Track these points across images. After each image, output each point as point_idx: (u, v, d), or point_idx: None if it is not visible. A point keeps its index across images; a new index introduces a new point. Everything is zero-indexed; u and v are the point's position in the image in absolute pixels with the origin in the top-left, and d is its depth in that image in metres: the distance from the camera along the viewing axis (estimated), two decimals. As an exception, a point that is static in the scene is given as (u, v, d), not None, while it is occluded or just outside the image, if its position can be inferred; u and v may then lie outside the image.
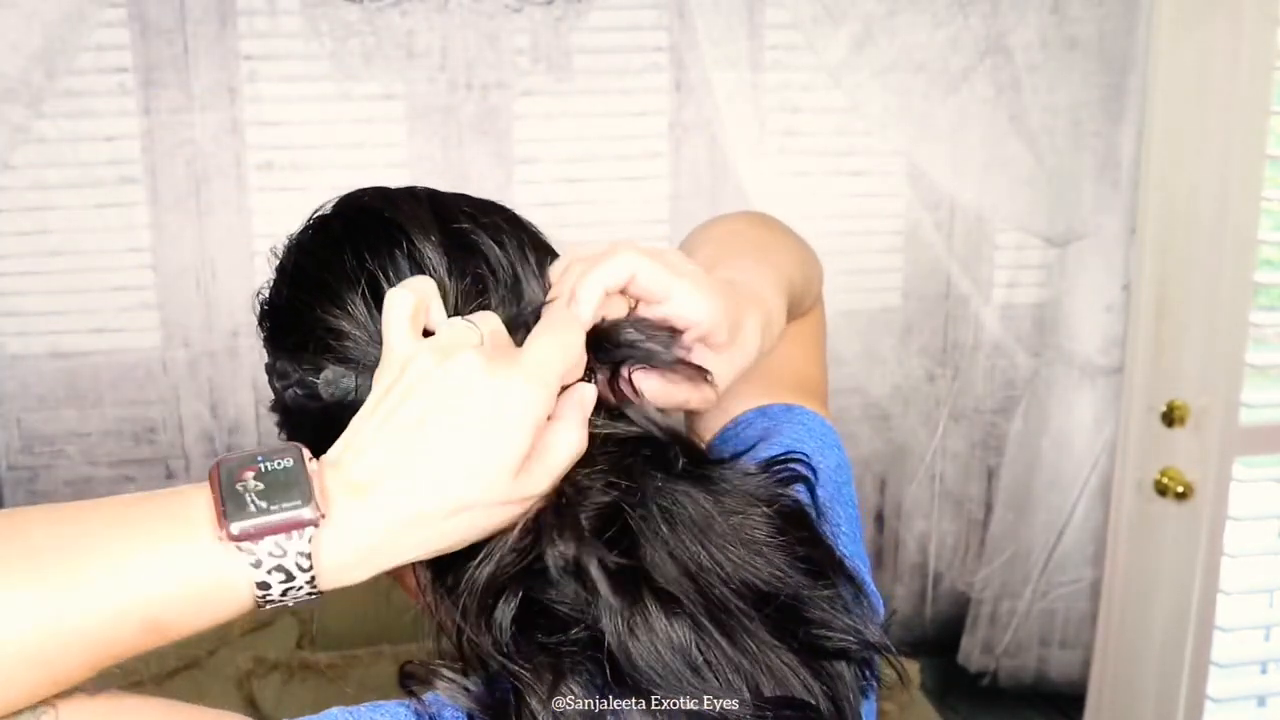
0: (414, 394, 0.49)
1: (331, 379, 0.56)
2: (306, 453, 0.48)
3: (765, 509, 0.56)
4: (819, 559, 0.56)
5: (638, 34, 1.80)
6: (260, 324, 0.63)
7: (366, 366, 0.55)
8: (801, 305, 0.77)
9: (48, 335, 1.75)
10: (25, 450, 1.78)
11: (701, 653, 0.51)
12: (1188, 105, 1.67)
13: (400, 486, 0.47)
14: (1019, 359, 2.00)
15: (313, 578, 0.46)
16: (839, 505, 0.67)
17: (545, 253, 0.61)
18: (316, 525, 0.46)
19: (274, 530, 0.45)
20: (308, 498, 0.46)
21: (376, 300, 0.55)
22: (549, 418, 0.51)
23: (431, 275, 0.56)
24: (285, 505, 0.45)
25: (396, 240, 0.58)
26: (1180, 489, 1.73)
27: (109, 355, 1.77)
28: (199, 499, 0.46)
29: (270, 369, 0.60)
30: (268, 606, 0.47)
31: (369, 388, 0.52)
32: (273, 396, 0.61)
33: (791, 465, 0.59)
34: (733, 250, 0.71)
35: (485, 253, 0.58)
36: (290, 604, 0.47)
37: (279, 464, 0.47)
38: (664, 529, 0.53)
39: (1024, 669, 2.09)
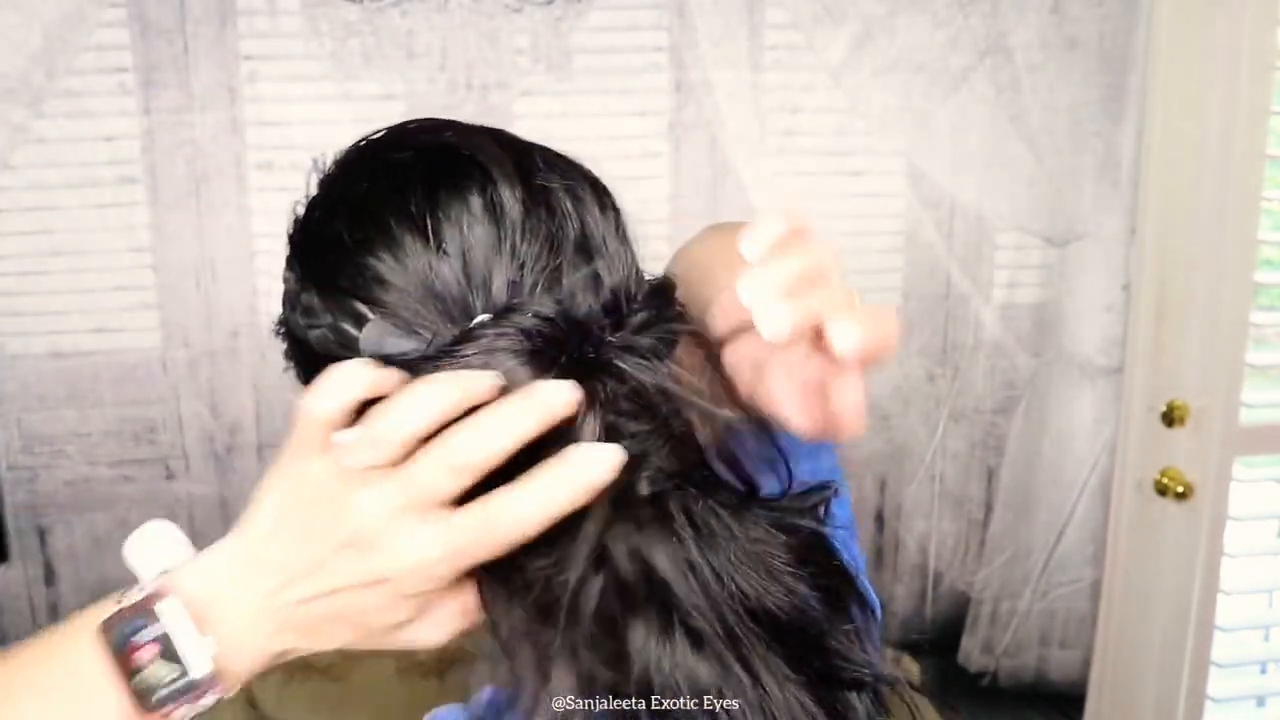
0: (301, 512, 0.48)
1: (376, 338, 0.49)
2: (177, 601, 0.48)
3: (788, 537, 0.52)
4: (838, 589, 0.53)
5: (637, 34, 1.80)
6: (290, 240, 0.57)
7: (414, 330, 0.49)
8: None
9: (48, 335, 1.75)
10: (25, 450, 1.78)
11: (723, 697, 0.48)
12: (1188, 105, 1.67)
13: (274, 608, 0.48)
14: (1019, 359, 2.00)
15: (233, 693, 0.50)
16: (840, 508, 0.65)
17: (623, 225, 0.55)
18: (216, 683, 0.48)
19: (183, 700, 0.48)
20: (199, 661, 0.47)
21: (439, 250, 0.49)
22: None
23: (507, 229, 0.50)
24: (182, 677, 0.47)
25: (476, 184, 0.51)
26: (1180, 489, 1.73)
27: (109, 355, 1.77)
28: (103, 677, 0.48)
29: (293, 297, 0.55)
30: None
31: (416, 352, 0.48)
32: (283, 319, 0.56)
33: (814, 497, 0.55)
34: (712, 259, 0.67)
35: (564, 214, 0.51)
36: None
37: (157, 625, 0.48)
38: (694, 549, 0.49)
39: (1024, 669, 2.09)
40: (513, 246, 0.49)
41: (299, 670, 1.58)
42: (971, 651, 2.09)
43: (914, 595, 2.09)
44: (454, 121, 0.57)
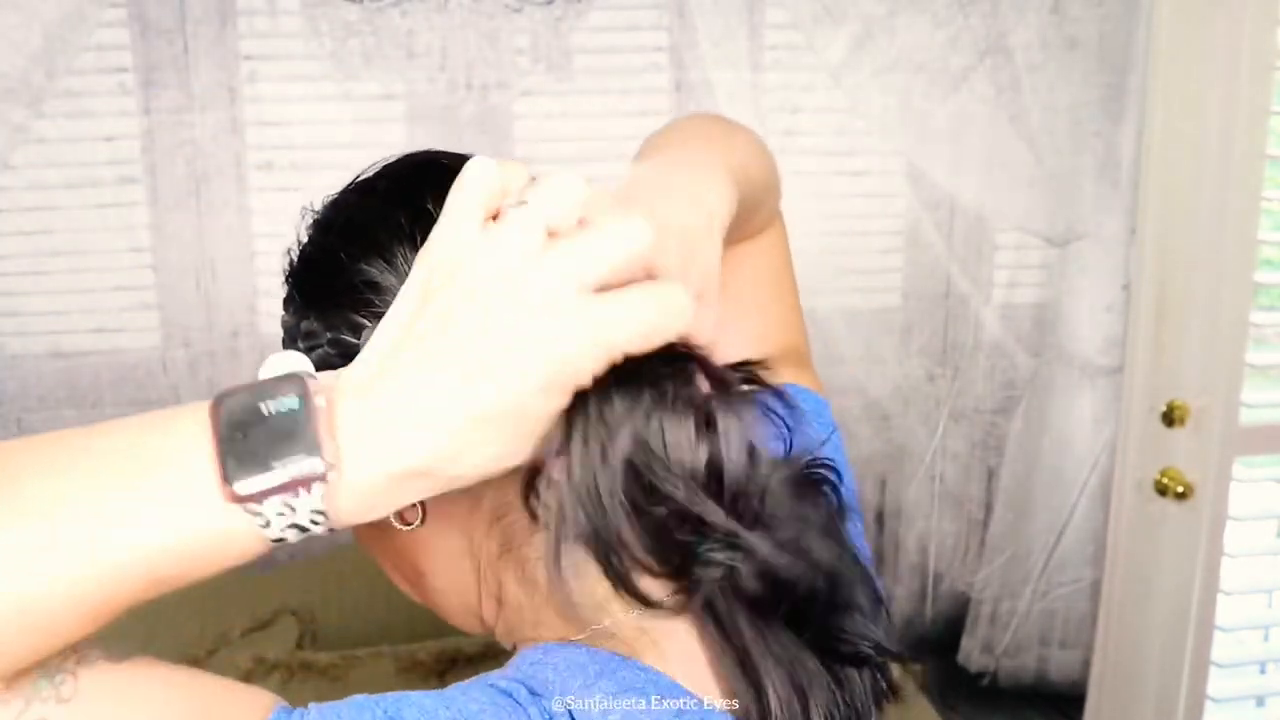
0: (452, 283, 0.43)
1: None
2: (312, 384, 0.43)
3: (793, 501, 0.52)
4: (843, 564, 0.53)
5: (638, 34, 1.80)
6: (286, 281, 0.57)
7: None
8: (755, 212, 0.69)
9: (48, 335, 1.75)
10: (25, 450, 1.78)
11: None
12: (1188, 105, 1.67)
13: (416, 402, 0.42)
14: (1019, 359, 2.00)
15: (330, 527, 0.43)
16: (844, 493, 0.64)
17: None
18: (325, 480, 0.41)
19: (280, 490, 0.41)
20: (314, 447, 0.41)
21: None
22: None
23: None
24: (290, 460, 0.41)
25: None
26: (1180, 489, 1.73)
27: (109, 355, 1.77)
28: (199, 449, 0.41)
29: (293, 330, 0.55)
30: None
31: None
32: None
33: (819, 470, 0.55)
34: (672, 145, 0.64)
35: None
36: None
37: (283, 406, 0.41)
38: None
39: (1024, 669, 2.09)
40: None
41: (299, 670, 1.59)
42: (971, 651, 2.09)
43: (914, 595, 2.09)
44: (428, 150, 0.60)
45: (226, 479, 0.40)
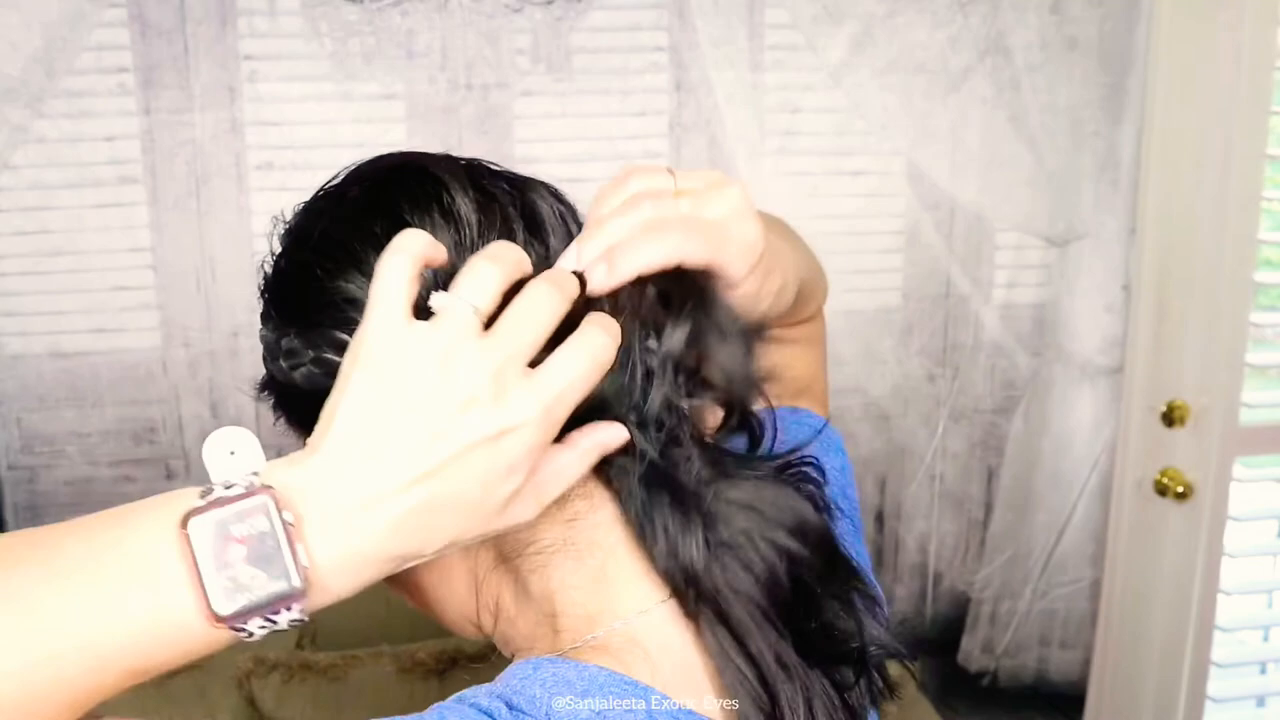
0: (387, 386, 0.45)
1: None
2: (278, 498, 0.44)
3: (776, 495, 0.54)
4: (831, 562, 0.55)
5: (638, 34, 1.80)
6: (261, 295, 0.57)
7: None
8: (810, 300, 0.74)
9: (48, 335, 1.76)
10: (25, 450, 1.78)
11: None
12: (1188, 105, 1.67)
13: (380, 506, 0.45)
14: (1019, 359, 2.00)
15: (308, 621, 0.45)
16: (843, 504, 0.66)
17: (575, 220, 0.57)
18: (304, 597, 0.44)
19: (262, 611, 0.43)
20: (289, 571, 0.43)
21: None
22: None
23: (465, 230, 0.52)
24: (269, 584, 0.43)
25: (431, 195, 0.53)
26: (1180, 489, 1.73)
27: (109, 355, 1.77)
28: (176, 577, 0.43)
29: (273, 347, 0.54)
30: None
31: None
32: (267, 376, 0.57)
33: (803, 467, 0.57)
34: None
35: (516, 207, 0.54)
36: None
37: (253, 529, 0.43)
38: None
39: (1024, 669, 2.09)
40: (471, 243, 0.52)
41: (299, 670, 1.58)
42: (971, 651, 2.09)
43: (914, 595, 2.09)
44: (399, 152, 0.59)
45: (210, 609, 0.42)
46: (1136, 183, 1.84)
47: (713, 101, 1.81)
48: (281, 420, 0.57)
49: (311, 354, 0.52)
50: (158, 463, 1.81)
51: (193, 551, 0.42)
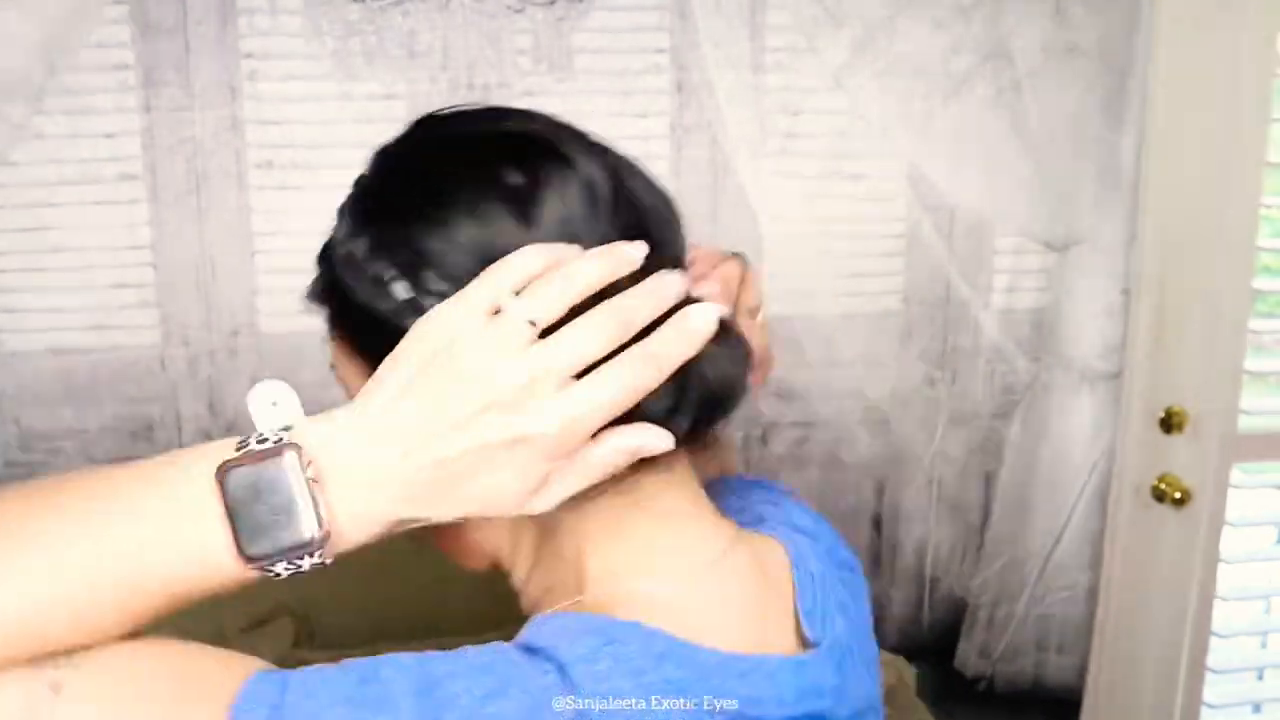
0: (442, 367, 0.48)
1: None
2: (303, 455, 0.48)
3: None
4: None
5: (639, 35, 1.80)
6: (352, 212, 0.58)
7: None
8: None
9: (47, 332, 1.75)
10: (23, 447, 1.78)
11: None
12: (1188, 111, 1.67)
13: (402, 474, 0.48)
14: (1018, 364, 2.00)
15: (331, 560, 0.50)
16: (849, 558, 0.69)
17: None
18: (325, 544, 0.48)
19: (286, 555, 0.48)
20: (312, 522, 0.48)
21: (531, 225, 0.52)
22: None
23: (599, 209, 0.53)
24: (292, 531, 0.48)
25: (558, 178, 0.54)
26: (1178, 495, 1.73)
27: (108, 353, 1.77)
28: (210, 515, 0.48)
29: (360, 266, 0.54)
30: None
31: None
32: (325, 286, 0.57)
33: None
34: None
35: (643, 204, 0.56)
36: None
37: (276, 477, 0.47)
38: None
39: (1021, 674, 2.09)
40: (572, 236, 0.53)
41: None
42: (968, 656, 2.09)
43: (911, 600, 2.09)
44: (490, 108, 0.59)
45: (240, 549, 0.47)
46: (1136, 188, 1.84)
47: (714, 103, 1.80)
48: (335, 336, 0.58)
49: (409, 297, 0.52)
50: (155, 460, 1.81)
51: (225, 499, 0.47)
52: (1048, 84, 1.84)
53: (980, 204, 1.90)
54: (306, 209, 1.65)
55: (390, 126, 0.59)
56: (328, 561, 0.49)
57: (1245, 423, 1.71)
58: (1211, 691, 1.79)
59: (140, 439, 1.80)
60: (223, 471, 0.47)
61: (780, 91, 1.83)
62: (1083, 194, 1.89)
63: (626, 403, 0.49)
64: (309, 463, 0.48)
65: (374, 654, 0.51)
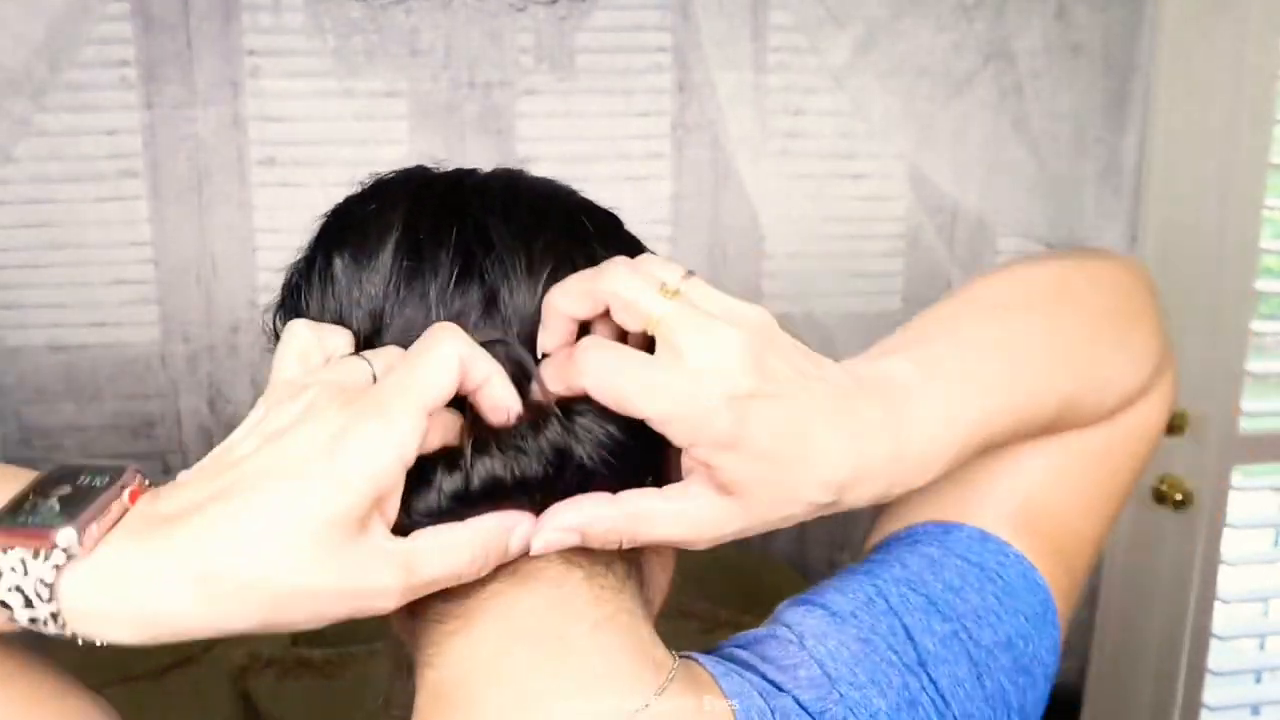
0: (256, 428, 0.46)
1: None
2: (137, 483, 0.43)
3: None
4: None
5: (641, 34, 1.80)
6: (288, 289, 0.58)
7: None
8: (1069, 418, 0.59)
9: (47, 328, 1.75)
10: (23, 443, 1.78)
11: None
12: (1191, 112, 1.67)
13: (194, 540, 0.41)
14: (1019, 364, 1.99)
15: (56, 613, 0.39)
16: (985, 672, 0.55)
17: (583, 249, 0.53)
18: (67, 554, 0.39)
19: (20, 539, 0.39)
20: (77, 519, 0.39)
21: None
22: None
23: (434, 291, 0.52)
24: (50, 518, 0.40)
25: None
26: (1179, 497, 1.73)
27: (108, 349, 1.77)
28: (7, 489, 0.42)
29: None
30: (20, 628, 0.41)
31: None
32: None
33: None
34: (999, 302, 0.55)
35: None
36: (50, 634, 0.41)
37: (96, 481, 0.41)
38: None
39: (1020, 674, 2.08)
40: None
41: (294, 667, 1.58)
42: (968, 656, 2.08)
43: (911, 599, 2.08)
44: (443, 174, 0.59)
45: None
46: (1138, 189, 1.84)
47: (715, 102, 1.80)
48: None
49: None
50: (155, 457, 1.81)
51: (39, 476, 0.43)
52: (1050, 84, 1.83)
53: (982, 204, 1.90)
54: (308, 206, 1.64)
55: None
56: (64, 628, 0.40)
57: (1247, 425, 1.71)
58: (1211, 693, 1.79)
59: (140, 435, 1.80)
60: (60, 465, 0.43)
61: (782, 91, 1.83)
62: (1085, 195, 1.88)
63: (391, 461, 0.45)
64: (133, 493, 0.43)
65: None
